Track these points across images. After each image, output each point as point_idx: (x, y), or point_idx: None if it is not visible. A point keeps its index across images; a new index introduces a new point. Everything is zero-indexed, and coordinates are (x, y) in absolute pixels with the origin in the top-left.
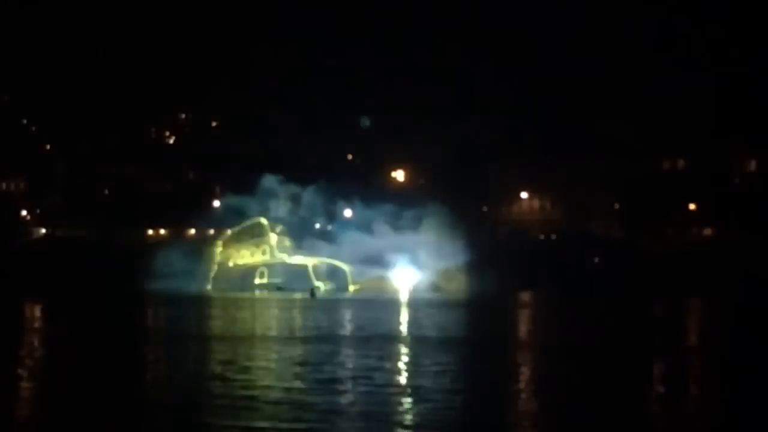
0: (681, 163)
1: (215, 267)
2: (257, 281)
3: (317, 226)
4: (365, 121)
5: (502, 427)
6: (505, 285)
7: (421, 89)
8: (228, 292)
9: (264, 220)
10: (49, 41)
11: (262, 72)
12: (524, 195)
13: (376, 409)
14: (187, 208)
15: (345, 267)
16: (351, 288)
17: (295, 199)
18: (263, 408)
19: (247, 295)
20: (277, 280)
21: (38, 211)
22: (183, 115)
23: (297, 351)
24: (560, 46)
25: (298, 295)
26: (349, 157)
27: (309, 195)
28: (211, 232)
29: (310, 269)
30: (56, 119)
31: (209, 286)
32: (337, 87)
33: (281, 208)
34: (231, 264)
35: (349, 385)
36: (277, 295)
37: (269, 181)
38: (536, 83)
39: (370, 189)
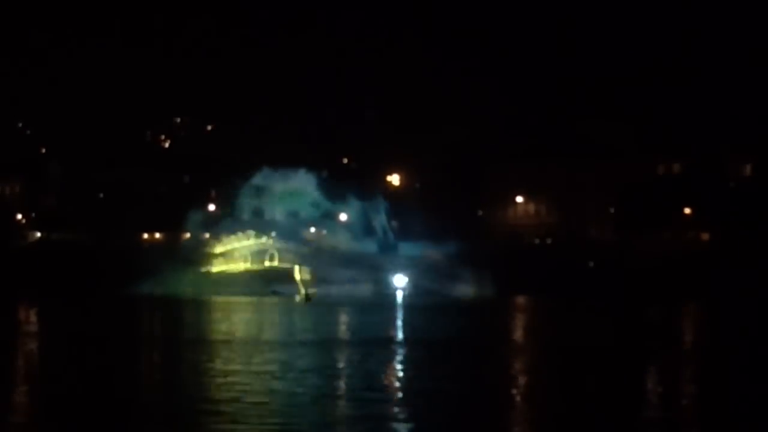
0: (676, 166)
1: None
2: (267, 263)
3: (312, 229)
4: (370, 114)
5: None
6: (501, 289)
7: (418, 93)
8: (220, 294)
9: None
10: (45, 45)
11: (258, 75)
12: (519, 199)
13: None
14: (182, 211)
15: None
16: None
17: (294, 196)
18: None
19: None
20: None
21: (33, 214)
22: (178, 119)
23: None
24: (556, 50)
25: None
26: (345, 160)
27: (308, 191)
28: (207, 235)
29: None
30: (51, 123)
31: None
32: (333, 90)
33: (277, 206)
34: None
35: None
36: (274, 298)
37: (266, 176)
38: (532, 87)
39: (365, 192)
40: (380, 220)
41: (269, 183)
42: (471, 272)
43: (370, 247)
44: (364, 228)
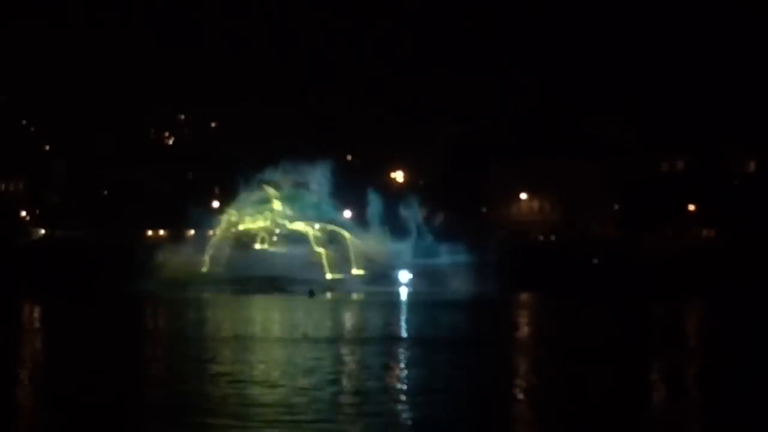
0: (680, 164)
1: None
2: (257, 246)
3: (316, 227)
4: (373, 111)
5: None
6: (505, 286)
7: (421, 91)
8: (224, 291)
9: (270, 189)
10: (48, 42)
11: (261, 73)
12: (523, 196)
13: None
14: (186, 208)
15: (346, 234)
16: (354, 271)
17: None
18: None
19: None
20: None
21: (37, 211)
22: (182, 116)
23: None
24: (559, 47)
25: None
26: (349, 157)
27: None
28: (210, 232)
29: (311, 236)
30: (55, 120)
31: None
32: (335, 87)
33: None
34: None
35: None
36: (277, 295)
37: (270, 176)
38: (535, 84)
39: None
40: (414, 218)
41: (274, 178)
42: (476, 269)
43: (403, 249)
44: (395, 227)
